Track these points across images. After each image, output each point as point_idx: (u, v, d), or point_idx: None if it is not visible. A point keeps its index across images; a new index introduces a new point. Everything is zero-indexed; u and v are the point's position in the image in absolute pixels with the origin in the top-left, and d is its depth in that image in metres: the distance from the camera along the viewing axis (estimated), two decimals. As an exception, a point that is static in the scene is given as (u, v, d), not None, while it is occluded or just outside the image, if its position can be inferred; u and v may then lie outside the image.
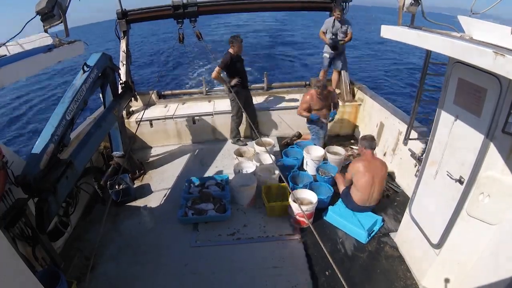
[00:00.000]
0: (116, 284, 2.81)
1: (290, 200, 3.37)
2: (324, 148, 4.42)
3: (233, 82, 4.61)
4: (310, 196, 3.42)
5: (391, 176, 4.14)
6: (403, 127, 3.89)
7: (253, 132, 5.00)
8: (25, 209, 2.25)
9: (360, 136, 3.48)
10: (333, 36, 5.12)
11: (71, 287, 2.48)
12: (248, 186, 3.64)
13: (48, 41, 2.37)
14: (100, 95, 3.85)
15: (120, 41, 5.05)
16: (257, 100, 5.45)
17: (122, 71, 4.86)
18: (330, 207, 3.44)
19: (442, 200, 2.30)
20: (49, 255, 2.47)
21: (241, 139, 5.17)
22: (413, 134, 3.40)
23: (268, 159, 4.21)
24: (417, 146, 3.39)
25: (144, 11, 5.10)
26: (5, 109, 13.66)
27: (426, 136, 3.17)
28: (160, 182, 4.31)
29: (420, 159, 3.13)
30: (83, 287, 2.63)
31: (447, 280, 2.35)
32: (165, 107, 5.53)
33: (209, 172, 4.50)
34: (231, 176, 4.10)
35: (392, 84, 14.01)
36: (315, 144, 4.52)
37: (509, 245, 1.88)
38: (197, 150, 5.15)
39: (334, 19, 5.03)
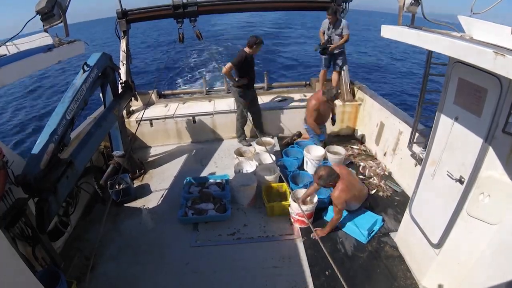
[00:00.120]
0: (116, 284, 2.81)
1: (290, 200, 3.37)
2: (324, 148, 4.42)
3: (242, 81, 4.56)
4: (310, 196, 3.41)
5: (391, 176, 4.15)
6: (403, 127, 3.89)
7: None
8: (25, 209, 2.25)
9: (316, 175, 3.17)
10: (327, 38, 5.09)
11: (71, 287, 2.48)
12: (248, 186, 3.64)
13: (48, 40, 2.37)
14: (100, 95, 3.85)
15: (120, 41, 5.05)
16: (257, 100, 5.44)
17: (122, 70, 4.86)
18: (330, 207, 3.43)
19: (442, 200, 2.30)
20: (49, 255, 2.47)
21: (246, 138, 5.15)
22: (416, 136, 3.39)
23: (268, 159, 4.21)
24: (417, 146, 3.38)
25: (144, 11, 5.10)
26: (5, 109, 13.66)
27: (426, 136, 3.17)
28: (160, 182, 4.31)
29: (420, 159, 3.13)
30: (83, 287, 2.63)
31: (447, 280, 2.35)
32: (165, 106, 5.53)
33: (209, 172, 4.50)
34: (231, 176, 4.10)
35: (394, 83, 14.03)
36: (315, 143, 4.52)
37: (509, 245, 1.88)
38: (197, 150, 5.15)
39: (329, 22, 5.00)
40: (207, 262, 2.99)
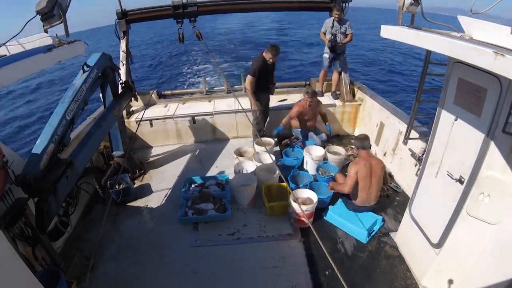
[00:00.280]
0: (116, 284, 2.81)
1: (290, 200, 3.37)
2: (324, 148, 4.42)
3: (256, 107, 4.49)
4: (310, 196, 3.42)
5: (391, 176, 4.14)
6: (403, 127, 3.89)
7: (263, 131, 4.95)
8: (25, 208, 2.25)
9: (354, 137, 3.48)
10: (332, 37, 5.11)
11: (71, 287, 2.48)
12: (248, 186, 3.64)
13: (48, 41, 2.37)
14: (100, 95, 3.85)
15: (120, 41, 5.05)
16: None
17: (122, 71, 4.86)
18: (330, 207, 3.44)
19: (442, 200, 2.30)
20: (49, 255, 2.47)
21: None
22: (413, 134, 3.40)
23: (268, 159, 4.21)
24: (417, 146, 3.39)
25: (143, 11, 5.10)
26: (5, 109, 13.67)
27: (426, 136, 3.17)
28: (160, 182, 4.31)
29: (420, 159, 3.13)
30: (83, 287, 2.63)
31: (447, 280, 2.35)
32: (165, 106, 5.53)
33: (209, 172, 4.50)
34: (231, 176, 4.10)
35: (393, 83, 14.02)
36: (315, 144, 4.52)
37: (509, 245, 1.88)
38: (197, 150, 5.15)
39: (334, 19, 5.02)
40: (207, 262, 2.99)
